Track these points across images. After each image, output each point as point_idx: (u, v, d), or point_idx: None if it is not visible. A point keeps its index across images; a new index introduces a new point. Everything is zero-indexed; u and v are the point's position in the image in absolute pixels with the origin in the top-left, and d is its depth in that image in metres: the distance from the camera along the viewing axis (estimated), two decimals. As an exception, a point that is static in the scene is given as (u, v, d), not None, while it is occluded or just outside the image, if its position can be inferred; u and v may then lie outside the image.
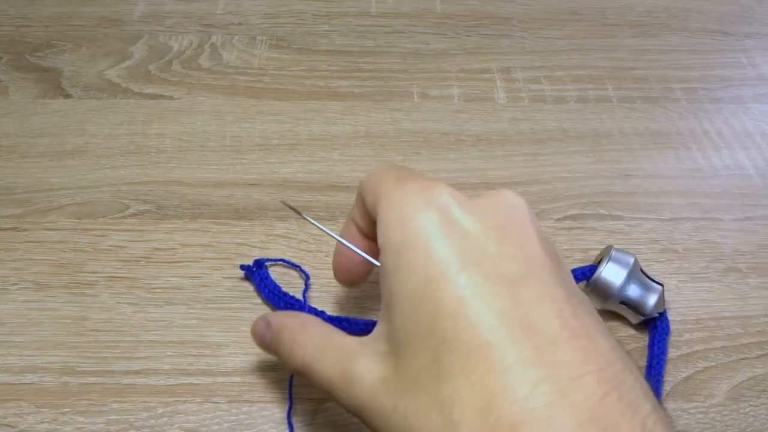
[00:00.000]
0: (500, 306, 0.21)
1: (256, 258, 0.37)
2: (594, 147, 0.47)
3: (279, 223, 0.41)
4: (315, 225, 0.31)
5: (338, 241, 0.30)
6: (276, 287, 0.36)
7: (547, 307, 0.21)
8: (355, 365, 0.24)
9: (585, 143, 0.48)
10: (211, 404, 0.33)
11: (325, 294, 0.38)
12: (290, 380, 0.32)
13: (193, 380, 0.34)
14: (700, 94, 0.52)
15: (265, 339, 0.29)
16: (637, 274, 0.36)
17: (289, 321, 0.29)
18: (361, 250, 0.30)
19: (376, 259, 0.30)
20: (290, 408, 0.32)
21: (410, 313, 0.22)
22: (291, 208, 0.33)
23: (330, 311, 0.36)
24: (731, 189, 0.45)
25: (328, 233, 0.30)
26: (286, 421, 0.32)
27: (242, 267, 0.37)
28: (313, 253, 0.39)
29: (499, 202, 0.25)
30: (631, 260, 0.36)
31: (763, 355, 0.36)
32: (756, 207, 0.44)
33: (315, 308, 0.35)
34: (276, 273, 0.38)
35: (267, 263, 0.38)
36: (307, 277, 0.37)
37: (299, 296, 0.36)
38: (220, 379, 0.34)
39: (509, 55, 0.55)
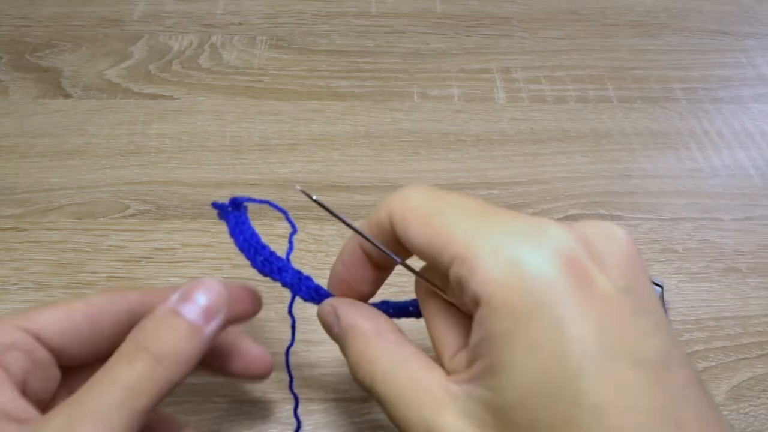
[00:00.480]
0: (651, 402, 0.18)
1: (234, 197, 0.29)
2: (594, 147, 0.47)
3: (279, 223, 0.41)
4: (339, 218, 0.26)
5: (368, 240, 0.25)
6: (254, 236, 0.29)
7: (690, 396, 0.19)
8: (441, 421, 0.21)
9: (585, 143, 0.48)
10: (212, 404, 0.33)
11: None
12: (287, 364, 0.30)
13: (193, 380, 0.34)
14: (700, 94, 0.52)
15: (332, 331, 0.26)
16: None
17: (361, 323, 0.25)
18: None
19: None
20: (296, 405, 0.31)
21: (537, 396, 0.19)
22: (306, 194, 0.26)
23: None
24: (731, 189, 0.45)
25: (359, 232, 0.25)
26: (292, 418, 0.32)
27: (214, 205, 0.29)
28: (313, 253, 0.39)
29: (614, 245, 0.21)
30: None
31: (763, 355, 0.36)
32: (756, 207, 0.44)
33: (299, 272, 0.28)
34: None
35: (246, 203, 0.29)
36: (293, 230, 0.30)
37: (281, 254, 0.29)
38: (220, 379, 0.33)
39: (509, 55, 0.55)
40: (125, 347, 0.23)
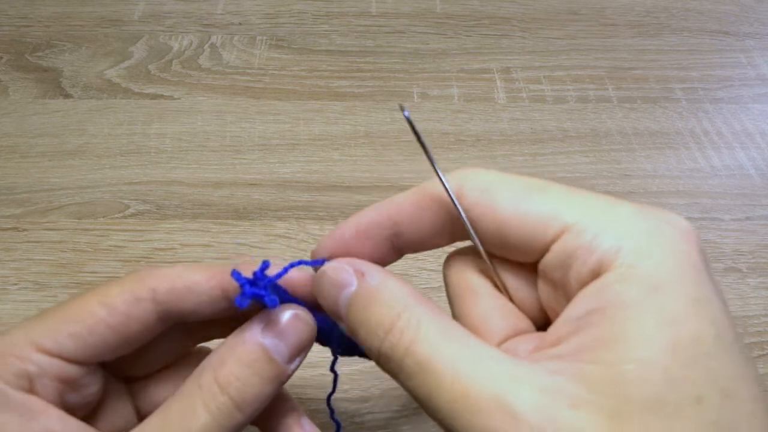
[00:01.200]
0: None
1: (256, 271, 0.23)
2: (594, 147, 0.47)
3: (279, 223, 0.41)
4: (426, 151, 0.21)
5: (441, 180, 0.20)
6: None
7: None
8: (517, 396, 0.17)
9: (585, 143, 0.48)
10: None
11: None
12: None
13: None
14: (700, 94, 0.52)
15: (342, 290, 0.21)
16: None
17: (395, 279, 0.21)
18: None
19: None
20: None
21: (664, 371, 0.16)
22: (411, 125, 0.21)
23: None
24: (731, 189, 0.45)
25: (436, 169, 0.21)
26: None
27: (237, 277, 0.22)
28: (313, 253, 0.39)
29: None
30: None
31: (763, 355, 0.36)
32: (756, 207, 0.44)
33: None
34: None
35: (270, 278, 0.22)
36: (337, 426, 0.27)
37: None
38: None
39: (509, 55, 0.55)
40: (204, 381, 0.20)
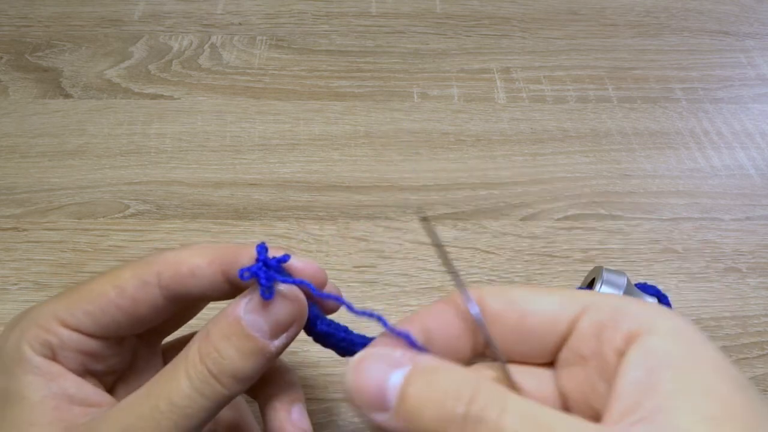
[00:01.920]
0: None
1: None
2: (594, 147, 0.47)
3: (279, 223, 0.41)
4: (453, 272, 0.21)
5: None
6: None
7: None
8: None
9: (585, 143, 0.48)
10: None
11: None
12: None
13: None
14: (700, 94, 0.52)
15: (395, 363, 0.19)
16: (633, 292, 0.34)
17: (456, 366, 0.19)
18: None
19: None
20: None
21: (740, 414, 0.17)
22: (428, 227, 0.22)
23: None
24: (731, 189, 0.45)
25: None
26: None
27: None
28: (313, 254, 0.39)
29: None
30: (624, 280, 0.33)
31: (763, 355, 0.36)
32: (756, 207, 0.44)
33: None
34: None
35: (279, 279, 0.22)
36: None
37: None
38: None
39: (509, 55, 0.55)
40: (190, 352, 0.22)
